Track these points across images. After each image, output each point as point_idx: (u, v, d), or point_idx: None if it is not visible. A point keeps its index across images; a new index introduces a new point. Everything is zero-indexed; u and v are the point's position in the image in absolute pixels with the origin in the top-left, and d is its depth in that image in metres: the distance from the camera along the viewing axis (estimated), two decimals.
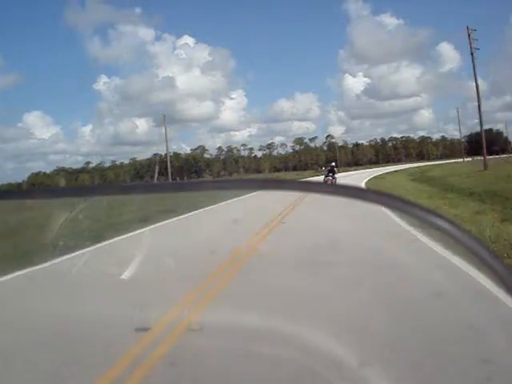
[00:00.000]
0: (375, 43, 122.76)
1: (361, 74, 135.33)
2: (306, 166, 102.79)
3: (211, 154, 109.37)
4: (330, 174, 22.39)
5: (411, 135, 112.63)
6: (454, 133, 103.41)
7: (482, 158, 34.88)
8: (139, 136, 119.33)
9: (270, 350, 2.78)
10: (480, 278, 3.28)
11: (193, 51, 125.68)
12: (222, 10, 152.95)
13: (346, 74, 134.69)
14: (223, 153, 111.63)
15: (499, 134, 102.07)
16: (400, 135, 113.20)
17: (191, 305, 5.09)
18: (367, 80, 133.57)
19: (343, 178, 29.16)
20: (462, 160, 70.30)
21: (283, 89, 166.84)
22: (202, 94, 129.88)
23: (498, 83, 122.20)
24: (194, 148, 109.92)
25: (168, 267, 4.52)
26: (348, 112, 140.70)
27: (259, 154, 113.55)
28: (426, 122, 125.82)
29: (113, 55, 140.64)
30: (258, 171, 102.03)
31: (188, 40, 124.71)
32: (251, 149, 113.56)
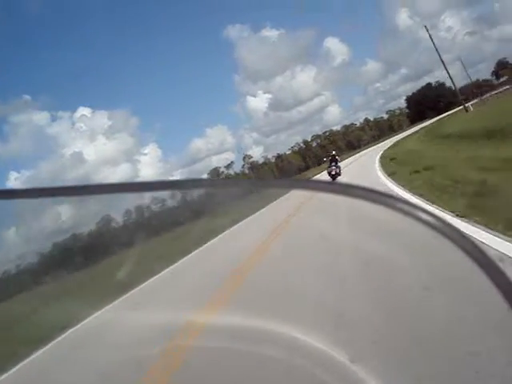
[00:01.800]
0: (264, 58, 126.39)
1: (260, 91, 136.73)
2: None
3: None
4: (333, 164, 21.79)
5: (333, 128, 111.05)
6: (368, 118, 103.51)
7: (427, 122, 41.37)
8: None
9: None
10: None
11: (92, 120, 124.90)
12: (107, 72, 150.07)
13: (248, 96, 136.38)
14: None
15: (441, 85, 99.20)
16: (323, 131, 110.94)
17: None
18: (268, 95, 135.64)
19: None
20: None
21: (193, 129, 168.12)
22: (114, 159, 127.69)
23: (391, 60, 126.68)
24: None
25: None
26: (261, 131, 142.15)
27: None
28: (337, 116, 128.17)
29: (14, 149, 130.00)
30: None
31: (84, 111, 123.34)
32: None
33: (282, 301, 4.08)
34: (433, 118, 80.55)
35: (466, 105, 50.61)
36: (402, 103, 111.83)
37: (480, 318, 2.56)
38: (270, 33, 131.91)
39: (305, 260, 5.72)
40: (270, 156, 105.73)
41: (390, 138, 76.14)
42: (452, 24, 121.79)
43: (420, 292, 3.26)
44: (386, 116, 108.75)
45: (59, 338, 6.64)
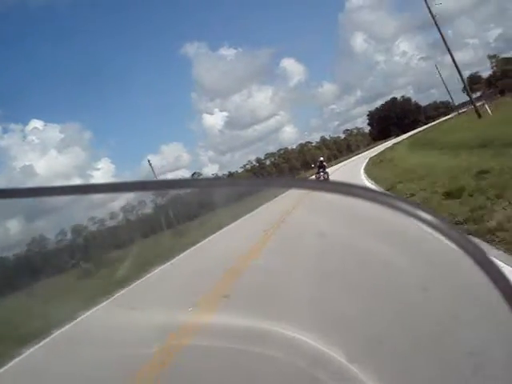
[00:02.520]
0: (221, 76, 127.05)
1: (217, 109, 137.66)
2: None
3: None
4: (321, 170, 22.27)
5: (288, 147, 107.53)
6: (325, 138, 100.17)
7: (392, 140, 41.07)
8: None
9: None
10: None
11: (44, 133, 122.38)
12: (61, 85, 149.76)
13: (204, 114, 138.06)
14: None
15: (407, 100, 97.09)
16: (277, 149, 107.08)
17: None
18: (225, 113, 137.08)
19: None
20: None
21: (148, 146, 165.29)
22: (66, 173, 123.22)
23: (347, 83, 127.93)
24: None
25: None
26: (216, 149, 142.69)
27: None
28: (293, 135, 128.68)
29: None
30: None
31: (36, 124, 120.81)
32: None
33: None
34: (398, 135, 77.22)
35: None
36: (357, 124, 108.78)
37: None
38: (228, 51, 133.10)
39: None
40: (220, 174, 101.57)
41: (349, 157, 73.18)
42: (406, 49, 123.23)
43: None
44: (342, 135, 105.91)
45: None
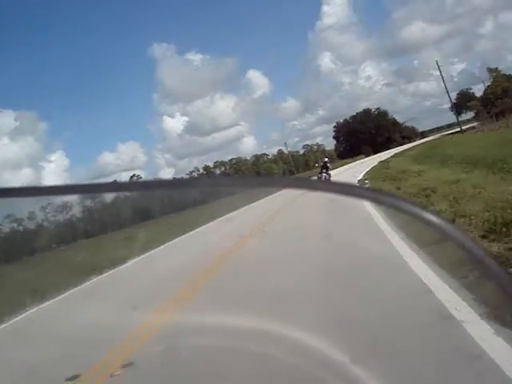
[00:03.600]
0: (185, 81, 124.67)
1: (178, 113, 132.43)
2: None
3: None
4: (324, 171, 22.33)
5: (242, 157, 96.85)
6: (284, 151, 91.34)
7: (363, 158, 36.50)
8: None
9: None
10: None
11: None
12: (19, 72, 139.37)
13: (165, 116, 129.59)
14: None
15: (383, 114, 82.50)
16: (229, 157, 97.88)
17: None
18: (186, 118, 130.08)
19: None
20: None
21: (104, 142, 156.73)
22: (17, 162, 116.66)
23: (310, 101, 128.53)
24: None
25: None
26: (174, 153, 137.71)
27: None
28: (252, 147, 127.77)
29: None
30: None
31: None
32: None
33: None
34: (368, 155, 65.56)
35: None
36: (318, 141, 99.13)
37: None
38: (195, 57, 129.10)
39: None
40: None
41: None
42: (371, 73, 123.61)
43: None
44: (302, 151, 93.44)
45: None
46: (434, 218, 0.46)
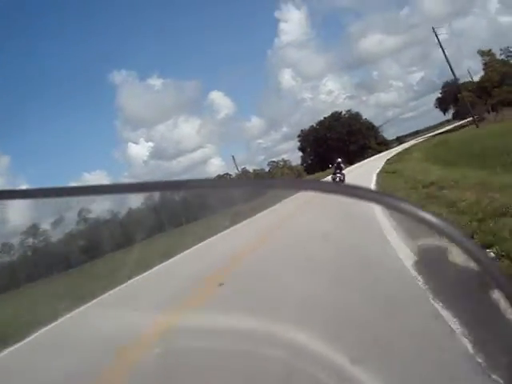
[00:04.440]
0: (148, 106, 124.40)
1: (143, 139, 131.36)
2: None
3: None
4: (338, 171, 22.32)
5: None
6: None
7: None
8: None
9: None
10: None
11: None
12: None
13: (129, 143, 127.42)
14: None
15: (354, 116, 70.87)
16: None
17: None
18: (150, 143, 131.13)
19: None
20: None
21: (70, 173, 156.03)
22: None
23: (273, 118, 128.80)
24: None
25: None
26: (141, 179, 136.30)
27: None
28: (220, 168, 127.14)
29: None
30: None
31: None
32: None
33: None
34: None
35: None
36: (283, 157, 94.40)
37: None
38: (156, 81, 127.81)
39: None
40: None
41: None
42: (333, 88, 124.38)
43: None
44: (267, 168, 79.60)
45: None
46: (432, 219, 0.46)
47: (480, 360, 2.22)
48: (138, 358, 3.76)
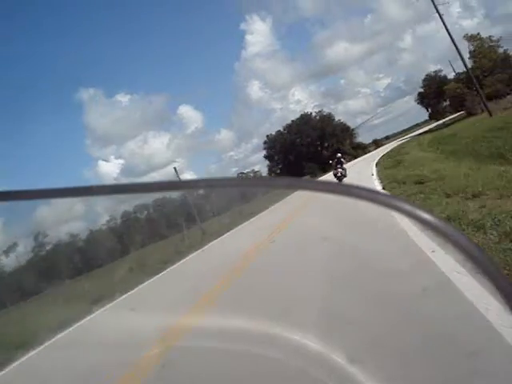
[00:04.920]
0: (116, 123, 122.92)
1: (113, 156, 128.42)
2: None
3: None
4: (339, 166, 22.19)
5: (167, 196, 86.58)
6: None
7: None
8: None
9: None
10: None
11: None
12: None
13: (100, 161, 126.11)
14: None
15: (326, 118, 62.94)
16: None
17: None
18: (121, 161, 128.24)
19: None
20: None
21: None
22: None
23: (244, 130, 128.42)
24: None
25: None
26: (113, 198, 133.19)
27: None
28: None
29: None
30: None
31: None
32: None
33: None
34: (315, 175, 50.61)
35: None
36: (254, 168, 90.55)
37: None
38: (124, 98, 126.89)
39: None
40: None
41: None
42: (301, 97, 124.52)
43: None
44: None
45: None
46: (429, 217, 0.47)
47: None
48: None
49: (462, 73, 42.54)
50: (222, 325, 3.44)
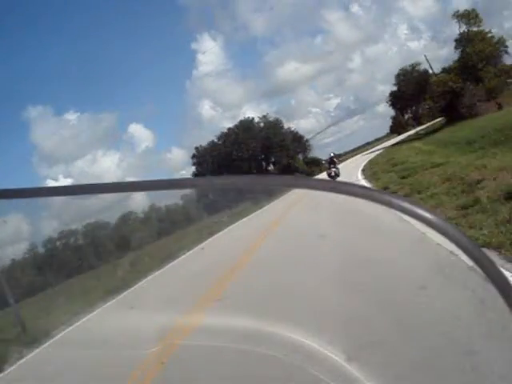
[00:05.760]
0: (64, 141, 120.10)
1: (61, 175, 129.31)
2: None
3: None
4: (332, 166, 22.35)
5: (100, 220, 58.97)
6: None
7: None
8: None
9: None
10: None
11: None
12: None
13: (48, 180, 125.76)
14: None
15: (274, 125, 50.30)
16: None
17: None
18: (70, 180, 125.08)
19: None
20: None
21: None
22: None
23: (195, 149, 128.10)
24: None
25: None
26: (60, 220, 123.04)
27: None
28: (142, 203, 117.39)
29: None
30: None
31: None
32: None
33: None
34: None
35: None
36: None
37: None
38: (73, 116, 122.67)
39: None
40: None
41: None
42: (252, 115, 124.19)
43: None
44: (181, 202, 57.16)
45: None
46: (427, 214, 0.47)
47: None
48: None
49: (456, 61, 33.87)
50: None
